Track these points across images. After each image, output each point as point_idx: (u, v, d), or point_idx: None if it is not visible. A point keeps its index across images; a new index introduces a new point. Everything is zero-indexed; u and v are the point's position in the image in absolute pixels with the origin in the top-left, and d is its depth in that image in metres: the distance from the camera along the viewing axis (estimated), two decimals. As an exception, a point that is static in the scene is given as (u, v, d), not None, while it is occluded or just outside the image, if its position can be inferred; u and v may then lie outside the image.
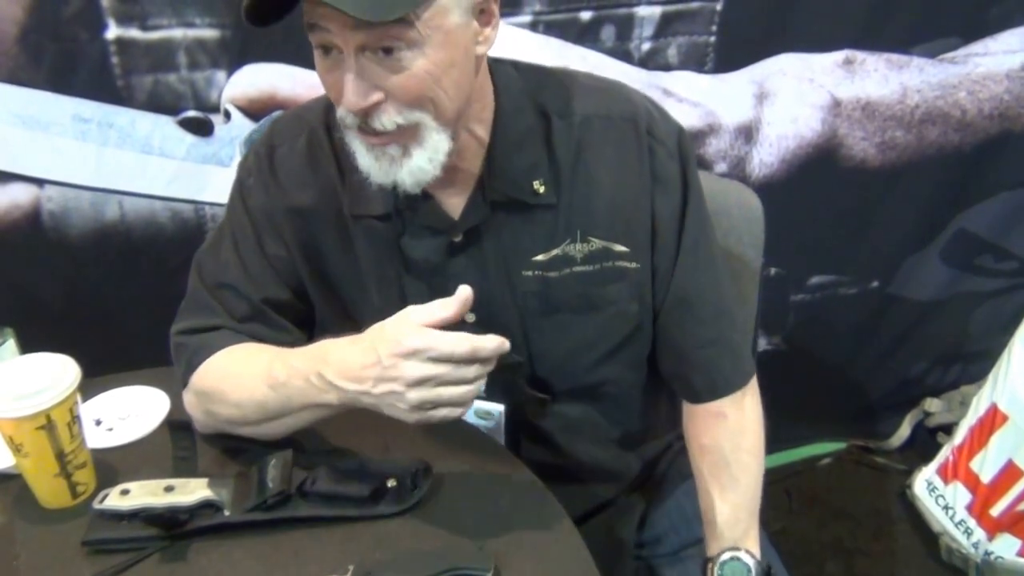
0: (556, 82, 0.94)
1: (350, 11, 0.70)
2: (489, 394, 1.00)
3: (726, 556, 0.97)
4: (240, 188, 0.98)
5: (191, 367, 0.95)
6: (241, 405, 0.90)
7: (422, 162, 0.83)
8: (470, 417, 1.02)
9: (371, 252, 0.95)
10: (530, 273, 0.94)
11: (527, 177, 0.91)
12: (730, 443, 1.01)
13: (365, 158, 0.84)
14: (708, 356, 1.00)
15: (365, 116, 0.79)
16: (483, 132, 0.90)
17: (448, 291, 0.94)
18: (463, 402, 0.79)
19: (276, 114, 1.32)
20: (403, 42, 0.76)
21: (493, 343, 0.78)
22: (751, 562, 0.96)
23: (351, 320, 1.01)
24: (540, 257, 0.94)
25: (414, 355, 0.76)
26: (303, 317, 1.01)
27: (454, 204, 0.92)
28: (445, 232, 0.93)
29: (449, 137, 0.83)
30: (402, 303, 0.95)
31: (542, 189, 0.91)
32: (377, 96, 0.78)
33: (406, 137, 0.82)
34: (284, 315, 0.99)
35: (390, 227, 0.93)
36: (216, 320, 0.96)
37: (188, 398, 0.96)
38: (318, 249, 0.97)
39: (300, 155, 0.95)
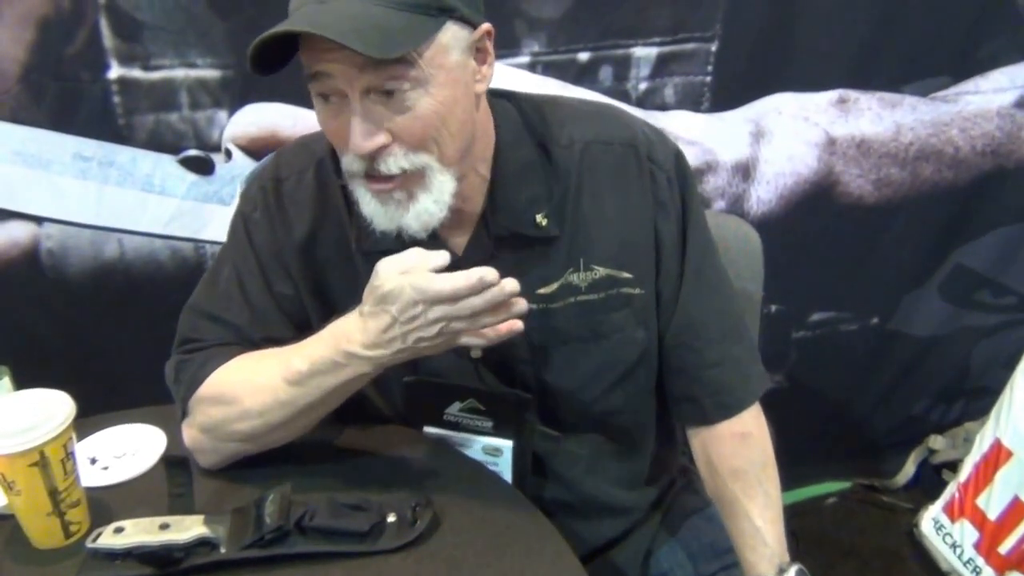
0: (552, 111, 0.95)
1: (359, 48, 0.72)
2: (498, 431, 0.99)
3: (795, 569, 0.95)
4: (244, 223, 0.97)
5: (195, 383, 0.92)
6: (265, 412, 0.89)
7: (428, 204, 0.84)
8: (477, 454, 1.01)
9: None
10: (535, 306, 0.94)
11: (529, 211, 0.91)
12: (760, 459, 1.01)
13: (370, 205, 0.85)
14: (716, 376, 1.00)
15: (371, 160, 0.80)
16: (485, 170, 0.91)
17: None
18: (479, 325, 0.81)
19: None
20: (407, 82, 0.77)
21: (487, 272, 0.78)
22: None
23: None
24: (544, 290, 0.94)
25: (422, 302, 0.79)
26: None
27: (458, 241, 0.93)
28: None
29: (453, 178, 0.84)
30: None
31: (544, 222, 0.92)
32: (383, 138, 0.79)
33: (411, 183, 0.83)
34: None
35: None
36: (212, 344, 0.95)
37: (191, 433, 0.94)
38: (326, 285, 0.96)
39: (308, 187, 0.95)
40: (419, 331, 0.80)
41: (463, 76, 0.82)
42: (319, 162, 0.95)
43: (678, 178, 0.95)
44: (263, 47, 0.75)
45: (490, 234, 0.91)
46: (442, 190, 0.84)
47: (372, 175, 0.82)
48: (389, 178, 0.82)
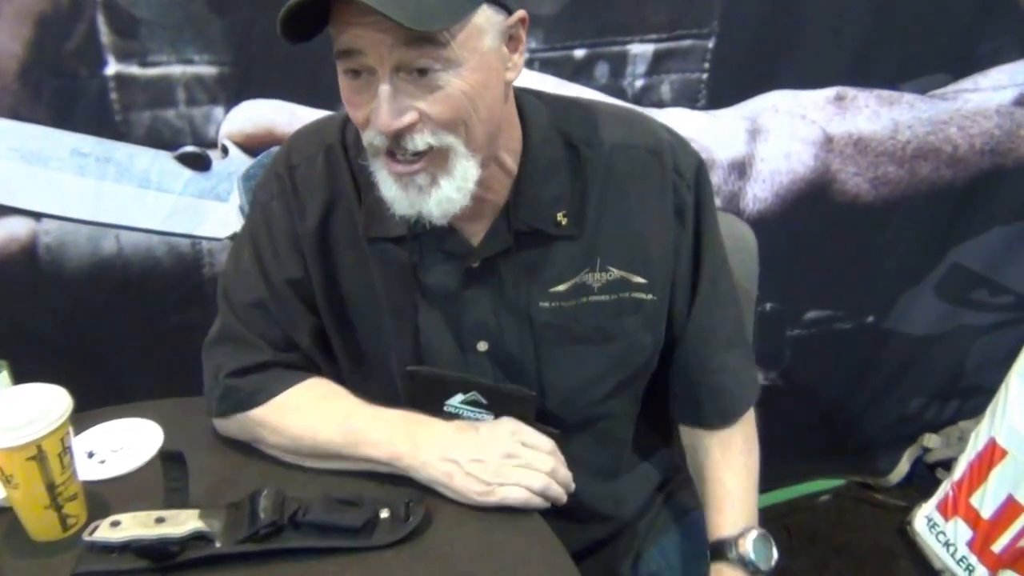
0: (581, 112, 0.95)
1: (398, 18, 0.70)
2: None
3: (756, 533, 0.98)
4: (263, 212, 0.97)
5: (240, 408, 0.96)
6: (298, 439, 0.93)
7: (450, 191, 0.82)
8: None
9: (386, 277, 0.95)
10: (547, 304, 0.94)
11: (551, 208, 0.91)
12: (742, 436, 1.05)
13: (391, 188, 0.83)
14: (717, 382, 1.02)
15: (397, 137, 0.79)
16: (511, 162, 0.90)
17: (462, 320, 0.94)
18: (531, 486, 0.87)
19: (273, 149, 1.34)
20: (439, 62, 0.76)
21: (567, 477, 0.91)
22: (773, 542, 0.98)
23: (356, 353, 1.00)
24: (558, 288, 0.94)
25: (509, 436, 0.90)
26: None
27: (474, 231, 0.92)
28: (462, 258, 0.92)
29: (478, 164, 0.83)
30: (415, 332, 0.94)
31: (565, 221, 0.91)
32: (411, 117, 0.78)
33: (435, 164, 0.81)
34: (317, 343, 1.00)
35: (406, 251, 0.93)
36: (261, 357, 0.96)
37: (224, 426, 0.99)
38: (336, 270, 0.96)
39: (319, 173, 0.94)
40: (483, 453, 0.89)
41: (495, 62, 0.81)
42: (328, 148, 0.95)
43: (697, 188, 0.95)
44: (297, 10, 0.73)
45: (510, 228, 0.91)
46: (465, 177, 0.82)
47: (394, 153, 0.81)
48: (415, 157, 0.80)
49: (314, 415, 0.94)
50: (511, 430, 0.91)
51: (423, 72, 0.76)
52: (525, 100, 0.92)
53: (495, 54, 0.80)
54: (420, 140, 0.79)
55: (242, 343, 0.97)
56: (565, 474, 0.91)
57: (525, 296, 0.93)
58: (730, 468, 1.02)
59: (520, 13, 0.82)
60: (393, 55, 0.75)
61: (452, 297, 0.94)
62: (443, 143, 0.80)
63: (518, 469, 0.88)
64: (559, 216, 0.91)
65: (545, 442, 0.91)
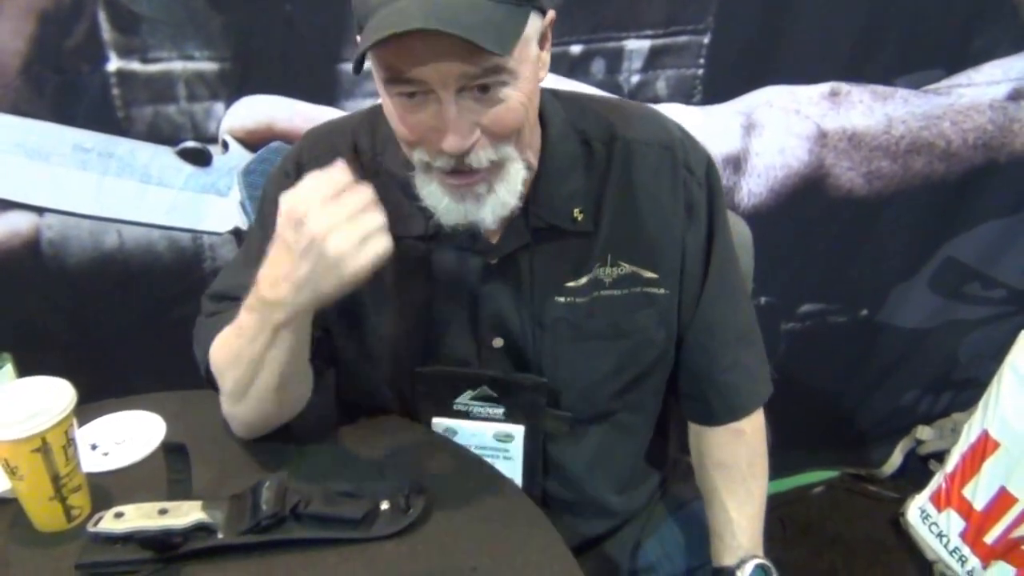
0: (595, 109, 0.96)
1: (485, 45, 0.70)
2: (510, 417, 1.00)
3: (754, 564, 0.99)
4: (273, 207, 0.97)
5: (214, 387, 0.95)
6: (234, 367, 0.89)
7: (505, 196, 0.84)
8: (487, 440, 1.01)
9: (402, 275, 0.95)
10: (562, 299, 0.95)
11: (568, 204, 0.92)
12: (747, 458, 1.04)
13: (442, 200, 0.84)
14: (727, 380, 1.02)
15: (462, 156, 0.79)
16: (534, 159, 0.91)
17: (479, 316, 0.95)
18: (378, 226, 0.75)
19: (273, 144, 1.35)
20: (501, 77, 0.77)
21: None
22: (774, 571, 0.99)
23: (366, 355, 1.00)
24: (573, 283, 0.94)
25: (305, 214, 0.74)
26: (328, 350, 1.00)
27: (494, 229, 0.92)
28: (481, 255, 0.93)
29: (525, 166, 0.84)
30: (429, 329, 0.95)
31: (580, 217, 0.92)
32: (476, 135, 0.79)
33: (492, 174, 0.82)
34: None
35: (423, 249, 0.93)
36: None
37: (221, 401, 0.97)
38: None
39: None
40: (314, 246, 0.74)
41: (537, 66, 0.82)
42: (339, 151, 0.93)
43: (708, 185, 0.96)
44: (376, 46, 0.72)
45: (528, 224, 0.91)
46: (516, 179, 0.84)
47: (460, 170, 0.81)
48: (474, 171, 0.81)
49: (225, 337, 0.90)
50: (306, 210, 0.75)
51: (485, 88, 0.77)
52: (542, 98, 0.92)
53: (536, 59, 0.82)
54: (484, 156, 0.80)
55: (207, 335, 0.96)
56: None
57: (541, 292, 0.94)
58: (732, 495, 1.02)
59: (552, 13, 0.83)
60: (460, 79, 0.75)
61: (470, 294, 0.95)
62: (502, 155, 0.81)
63: (354, 223, 0.75)
64: (575, 212, 0.92)
65: (357, 199, 0.76)
